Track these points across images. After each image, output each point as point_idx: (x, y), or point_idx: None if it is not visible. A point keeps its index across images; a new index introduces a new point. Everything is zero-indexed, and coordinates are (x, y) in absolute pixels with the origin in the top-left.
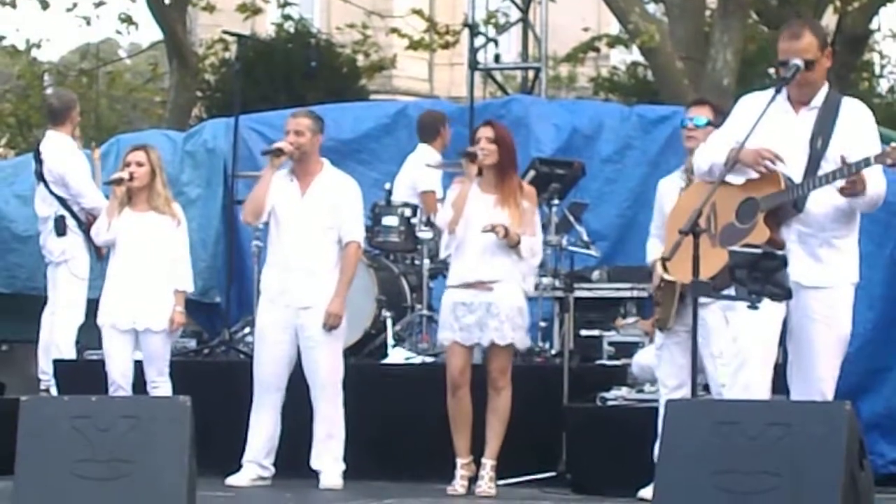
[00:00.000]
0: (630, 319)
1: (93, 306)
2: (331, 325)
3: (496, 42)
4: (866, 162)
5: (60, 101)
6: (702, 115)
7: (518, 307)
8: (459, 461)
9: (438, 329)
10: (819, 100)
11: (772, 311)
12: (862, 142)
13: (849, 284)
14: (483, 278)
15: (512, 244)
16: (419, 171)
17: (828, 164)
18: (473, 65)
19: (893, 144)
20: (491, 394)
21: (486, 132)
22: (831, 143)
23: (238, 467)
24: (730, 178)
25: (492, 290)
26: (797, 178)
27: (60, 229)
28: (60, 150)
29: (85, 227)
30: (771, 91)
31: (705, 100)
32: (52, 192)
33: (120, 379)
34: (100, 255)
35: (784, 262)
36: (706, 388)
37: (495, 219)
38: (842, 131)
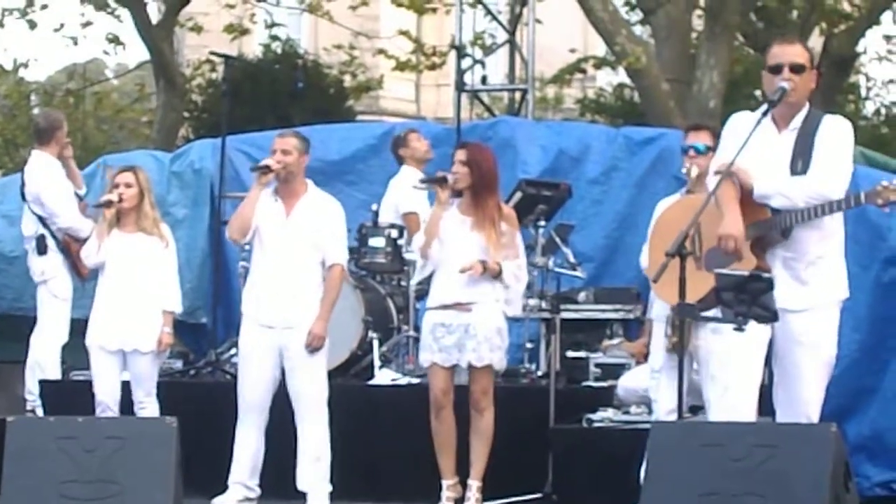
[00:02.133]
0: (615, 341)
1: (78, 326)
2: (314, 347)
3: (483, 63)
4: (856, 199)
5: (47, 121)
6: (701, 140)
7: (496, 328)
8: (445, 482)
9: (419, 350)
10: (799, 120)
11: (757, 333)
12: (836, 161)
13: (835, 304)
14: (461, 300)
15: (493, 275)
16: (402, 192)
17: None
18: (460, 86)
19: (885, 183)
20: (473, 415)
21: (458, 155)
22: (812, 164)
23: (224, 488)
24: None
25: (470, 311)
26: None
27: (41, 249)
28: (39, 169)
29: (62, 246)
30: (759, 110)
31: (702, 124)
32: (33, 212)
33: (108, 400)
34: (81, 276)
35: (770, 284)
36: (697, 409)
37: (472, 241)
38: (819, 150)
